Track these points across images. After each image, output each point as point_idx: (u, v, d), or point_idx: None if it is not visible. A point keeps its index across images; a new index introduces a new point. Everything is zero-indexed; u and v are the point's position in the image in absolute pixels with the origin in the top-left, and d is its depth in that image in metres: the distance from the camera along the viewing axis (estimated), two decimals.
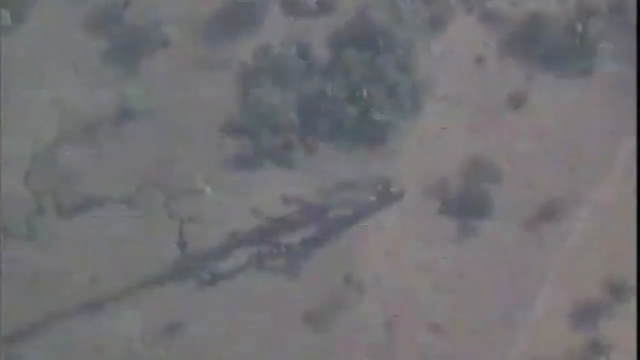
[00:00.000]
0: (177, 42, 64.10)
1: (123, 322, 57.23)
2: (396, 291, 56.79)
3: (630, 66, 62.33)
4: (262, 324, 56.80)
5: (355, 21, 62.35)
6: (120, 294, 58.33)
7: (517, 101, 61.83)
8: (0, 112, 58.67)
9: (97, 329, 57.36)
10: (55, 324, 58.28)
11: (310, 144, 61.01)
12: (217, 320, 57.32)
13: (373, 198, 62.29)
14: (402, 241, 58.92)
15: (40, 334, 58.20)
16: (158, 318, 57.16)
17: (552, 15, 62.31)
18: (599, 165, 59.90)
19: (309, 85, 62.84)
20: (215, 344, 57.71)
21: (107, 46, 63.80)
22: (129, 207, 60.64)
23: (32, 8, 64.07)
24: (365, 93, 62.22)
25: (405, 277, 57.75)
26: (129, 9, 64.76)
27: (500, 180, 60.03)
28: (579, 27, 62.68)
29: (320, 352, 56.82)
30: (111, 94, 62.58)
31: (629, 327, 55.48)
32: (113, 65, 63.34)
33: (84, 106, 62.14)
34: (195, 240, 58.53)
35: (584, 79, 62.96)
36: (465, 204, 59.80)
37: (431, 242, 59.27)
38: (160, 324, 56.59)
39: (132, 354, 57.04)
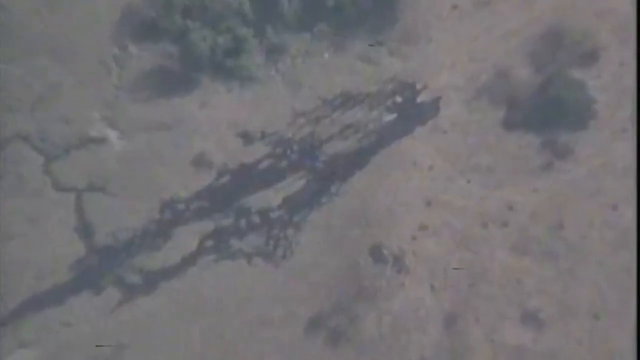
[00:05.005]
0: None
1: None
2: (454, 264, 41.66)
3: None
4: (239, 347, 40.39)
5: None
6: None
7: None
8: None
9: None
10: None
11: None
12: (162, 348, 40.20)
13: (391, 116, 44.91)
14: (450, 180, 43.44)
15: None
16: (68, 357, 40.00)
17: None
18: None
19: None
20: None
21: None
22: None
23: None
24: None
25: (464, 239, 42.64)
26: None
27: (598, 59, 42.62)
28: None
29: None
30: None
31: None
32: None
33: None
34: (105, 221, 42.41)
35: None
36: (547, 108, 40.96)
37: (499, 176, 43.82)
38: None
39: None
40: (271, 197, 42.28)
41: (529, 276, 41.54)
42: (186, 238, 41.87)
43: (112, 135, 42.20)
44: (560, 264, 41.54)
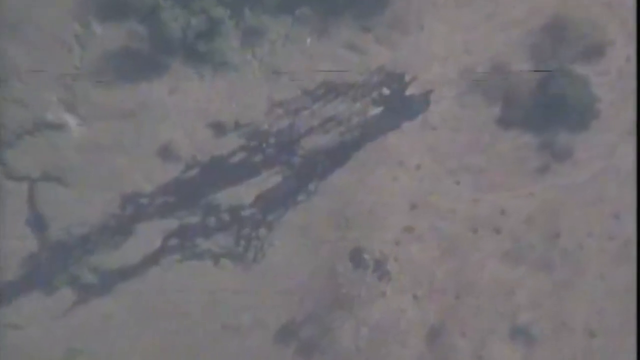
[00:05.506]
0: None
1: None
2: (440, 272, 40.01)
3: None
4: (202, 355, 38.95)
5: None
6: None
7: None
8: None
9: None
10: None
11: None
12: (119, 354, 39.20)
13: (377, 110, 43.59)
14: (438, 180, 41.38)
15: None
16: None
17: None
18: None
19: None
20: None
21: None
22: None
23: None
24: None
25: (451, 245, 40.66)
26: None
27: (604, 54, 41.21)
28: None
29: None
30: None
31: None
32: None
33: None
34: (60, 215, 40.19)
35: None
36: (546, 105, 41.06)
37: (492, 178, 41.57)
38: None
39: None
40: (243, 194, 40.51)
41: (521, 288, 41.58)
42: (148, 236, 40.74)
43: (71, 121, 40.07)
44: (555, 276, 41.38)
